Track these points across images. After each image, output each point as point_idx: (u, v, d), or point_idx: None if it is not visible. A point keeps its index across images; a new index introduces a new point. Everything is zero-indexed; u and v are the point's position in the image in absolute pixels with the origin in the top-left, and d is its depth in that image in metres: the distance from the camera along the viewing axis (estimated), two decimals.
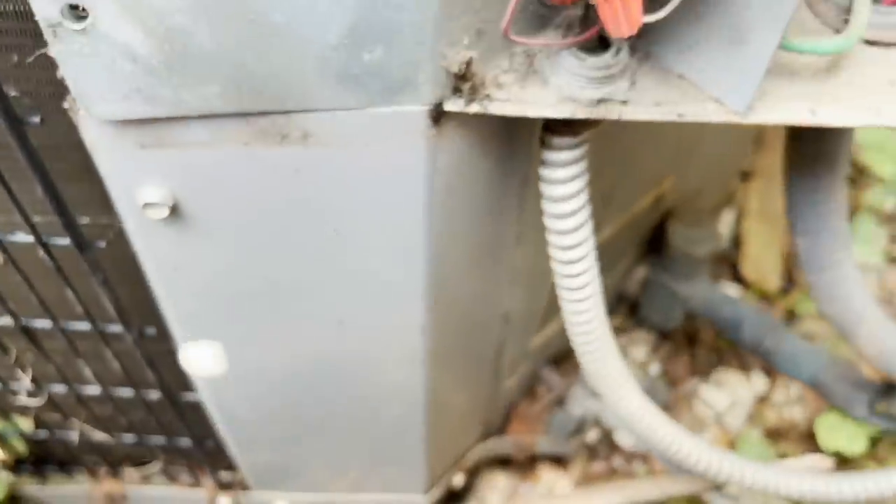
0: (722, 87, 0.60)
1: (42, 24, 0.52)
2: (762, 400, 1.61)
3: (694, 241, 1.36)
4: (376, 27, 0.53)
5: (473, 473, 1.45)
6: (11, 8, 0.58)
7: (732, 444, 1.54)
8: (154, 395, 1.01)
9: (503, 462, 1.48)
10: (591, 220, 0.75)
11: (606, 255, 1.08)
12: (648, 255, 1.50)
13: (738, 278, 1.75)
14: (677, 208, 1.40)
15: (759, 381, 1.61)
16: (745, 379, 1.61)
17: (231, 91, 0.57)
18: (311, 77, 0.57)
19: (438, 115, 0.61)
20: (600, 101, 0.60)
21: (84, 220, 0.76)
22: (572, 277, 0.78)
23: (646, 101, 0.61)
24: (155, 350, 0.92)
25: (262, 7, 0.51)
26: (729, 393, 1.58)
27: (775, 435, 1.56)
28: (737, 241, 1.78)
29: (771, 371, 1.62)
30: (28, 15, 0.56)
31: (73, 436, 1.15)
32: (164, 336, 0.87)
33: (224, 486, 1.32)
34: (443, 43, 0.56)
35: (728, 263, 1.76)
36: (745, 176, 1.82)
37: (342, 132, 0.62)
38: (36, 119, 0.63)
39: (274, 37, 0.53)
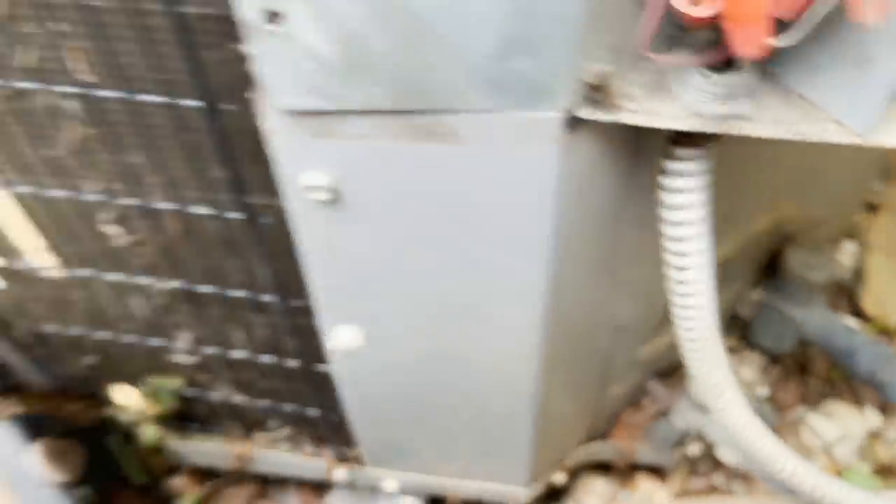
0: (843, 109, 0.63)
1: (243, 26, 0.61)
2: (874, 435, 1.56)
3: (811, 266, 1.35)
4: (525, 41, 0.60)
5: (574, 474, 1.48)
6: (213, 12, 0.68)
7: (840, 477, 1.50)
8: (292, 363, 1.10)
9: (603, 467, 1.51)
10: (709, 232, 0.78)
11: (722, 275, 1.10)
12: (764, 279, 1.49)
13: (856, 311, 1.70)
14: (796, 234, 1.39)
15: (872, 416, 1.57)
16: (857, 412, 1.57)
17: (393, 91, 0.65)
18: (463, 82, 0.64)
19: (572, 122, 0.67)
20: (724, 117, 0.64)
21: (251, 199, 0.86)
22: (686, 284, 0.81)
23: (767, 118, 0.64)
24: (299, 322, 1.01)
25: (429, 19, 0.59)
26: (839, 424, 1.54)
27: (886, 472, 1.51)
28: (858, 274, 1.73)
29: (886, 407, 1.57)
30: (227, 18, 0.66)
31: (217, 396, 1.27)
32: (308, 310, 0.96)
33: (342, 460, 1.41)
34: (582, 57, 0.61)
35: (846, 295, 1.71)
36: (872, 208, 1.77)
37: (484, 132, 0.68)
38: (228, 106, 0.73)
39: (436, 45, 0.60)
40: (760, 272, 1.49)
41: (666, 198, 0.75)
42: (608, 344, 1.22)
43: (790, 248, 1.37)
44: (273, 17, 0.60)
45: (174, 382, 1.31)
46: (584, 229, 0.82)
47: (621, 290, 1.07)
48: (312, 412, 1.26)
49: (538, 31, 0.59)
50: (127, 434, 1.27)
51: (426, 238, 0.81)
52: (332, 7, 0.59)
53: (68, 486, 0.99)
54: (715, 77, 0.63)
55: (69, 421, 1.08)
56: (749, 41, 0.56)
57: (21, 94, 0.76)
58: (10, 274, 1.02)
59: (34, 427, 1.00)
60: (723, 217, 1.13)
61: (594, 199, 0.78)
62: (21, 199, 0.90)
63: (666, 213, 0.76)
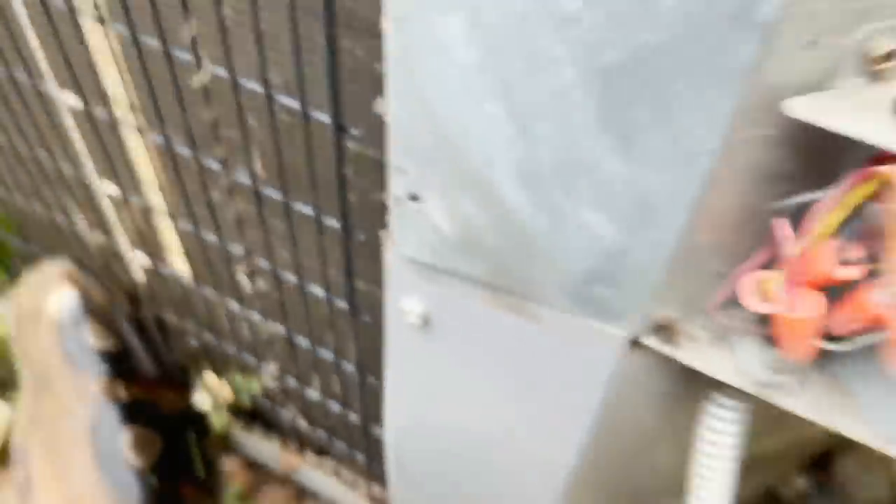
0: (878, 415, 0.68)
1: (391, 197, 0.73)
2: None
3: (859, 482, 1.36)
4: (610, 277, 0.68)
5: None
6: (372, 155, 0.80)
7: None
8: (354, 418, 1.22)
9: None
10: (737, 459, 0.84)
11: (767, 459, 1.14)
12: (814, 469, 1.50)
13: None
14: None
15: None
16: None
17: (494, 272, 0.75)
18: (551, 288, 0.73)
19: (634, 342, 0.75)
20: (767, 384, 0.71)
21: (360, 285, 0.98)
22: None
23: (807, 399, 0.70)
24: (369, 391, 1.13)
25: (536, 239, 0.68)
26: None
27: None
28: None
29: None
30: (380, 163, 0.78)
31: (286, 414, 1.41)
32: (380, 386, 1.08)
33: (373, 497, 1.52)
34: (655, 301, 0.70)
35: None
36: None
37: (559, 324, 0.77)
38: (361, 237, 0.85)
39: (536, 257, 0.70)
40: (810, 461, 1.50)
41: (707, 421, 0.81)
42: (636, 491, 1.27)
43: (842, 456, 1.38)
44: (413, 197, 0.71)
45: (254, 386, 1.46)
46: (626, 414, 0.90)
47: (658, 448, 1.12)
48: (359, 455, 1.38)
49: (622, 274, 0.68)
50: (200, 427, 1.43)
51: (490, 378, 0.91)
52: (460, 205, 0.69)
53: (142, 473, 1.14)
54: (769, 350, 0.70)
55: (158, 410, 1.24)
56: (795, 347, 0.63)
57: (211, 170, 0.91)
58: (152, 274, 1.19)
59: (129, 412, 1.16)
60: (777, 420, 1.17)
61: (640, 397, 0.85)
62: (180, 232, 1.06)
63: (705, 434, 0.82)
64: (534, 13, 0.52)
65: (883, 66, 0.52)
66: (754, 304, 0.64)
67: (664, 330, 0.73)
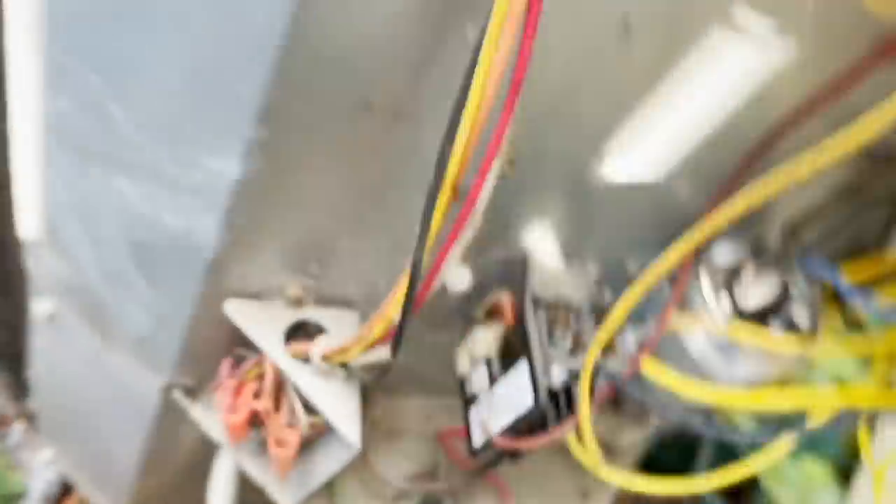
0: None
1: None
2: None
3: None
4: (149, 347, 0.99)
5: None
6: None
7: None
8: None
9: None
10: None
11: None
12: None
13: None
14: None
15: None
16: None
17: (87, 312, 1.04)
18: (122, 336, 1.02)
19: (168, 392, 1.05)
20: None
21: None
22: None
23: (253, 462, 1.04)
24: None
25: (110, 310, 0.98)
26: None
27: None
28: None
29: None
30: None
31: None
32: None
33: (27, 416, 1.74)
34: (183, 371, 1.00)
35: None
36: None
37: (131, 359, 1.07)
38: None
39: (111, 318, 0.99)
40: None
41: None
42: None
43: None
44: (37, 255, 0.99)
45: None
46: (174, 442, 1.20)
47: None
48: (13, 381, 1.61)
49: (155, 349, 0.98)
50: None
51: (94, 370, 1.19)
52: (63, 271, 0.98)
53: None
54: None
55: None
56: (229, 433, 0.95)
57: None
58: None
59: None
60: None
61: (185, 433, 1.16)
62: None
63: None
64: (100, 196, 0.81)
65: (295, 300, 0.85)
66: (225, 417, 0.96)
67: (190, 392, 1.04)
